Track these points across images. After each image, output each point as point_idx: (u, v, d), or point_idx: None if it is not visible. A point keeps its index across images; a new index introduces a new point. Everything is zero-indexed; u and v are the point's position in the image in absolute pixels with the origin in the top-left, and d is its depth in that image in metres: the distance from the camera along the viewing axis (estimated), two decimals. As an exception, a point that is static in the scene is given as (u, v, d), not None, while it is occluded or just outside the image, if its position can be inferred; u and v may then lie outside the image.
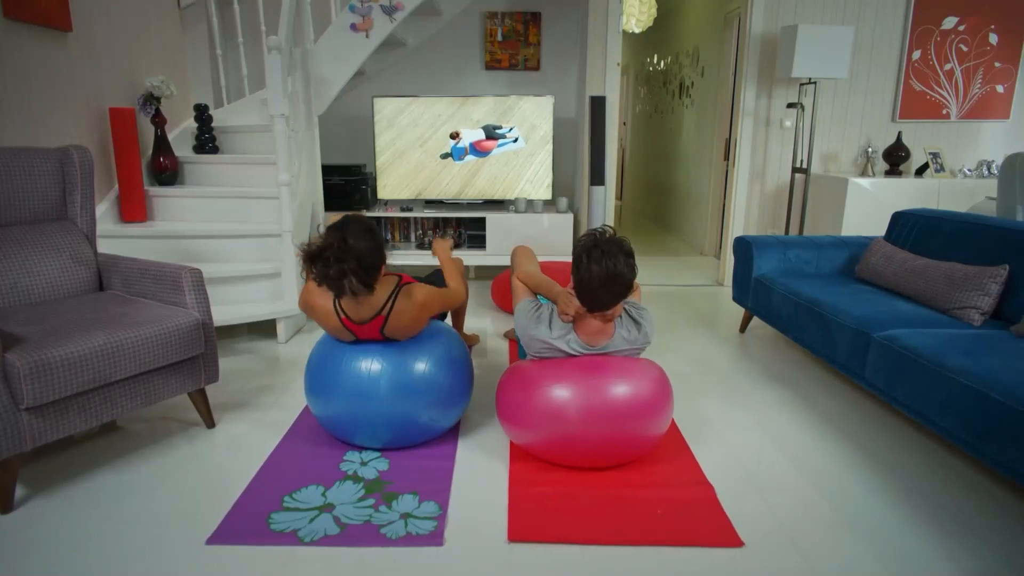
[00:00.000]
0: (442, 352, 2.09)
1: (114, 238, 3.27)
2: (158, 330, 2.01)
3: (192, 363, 2.17)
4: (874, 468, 2.06)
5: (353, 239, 1.82)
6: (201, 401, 2.27)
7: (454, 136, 4.30)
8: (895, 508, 1.83)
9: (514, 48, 4.63)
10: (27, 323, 1.94)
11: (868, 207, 4.01)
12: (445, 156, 4.38)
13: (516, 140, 4.32)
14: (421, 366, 2.02)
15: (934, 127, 4.35)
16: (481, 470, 2.03)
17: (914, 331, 2.22)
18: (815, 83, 3.98)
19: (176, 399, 2.52)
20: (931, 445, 2.22)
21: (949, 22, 4.16)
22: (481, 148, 4.32)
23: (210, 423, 2.30)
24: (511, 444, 2.19)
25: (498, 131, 4.29)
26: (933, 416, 1.98)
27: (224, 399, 2.55)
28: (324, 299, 1.99)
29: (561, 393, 1.91)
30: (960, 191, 4.02)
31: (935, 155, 4.23)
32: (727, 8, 5.04)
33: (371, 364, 1.99)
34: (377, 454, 2.11)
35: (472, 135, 4.34)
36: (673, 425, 2.34)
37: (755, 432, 2.31)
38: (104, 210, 3.37)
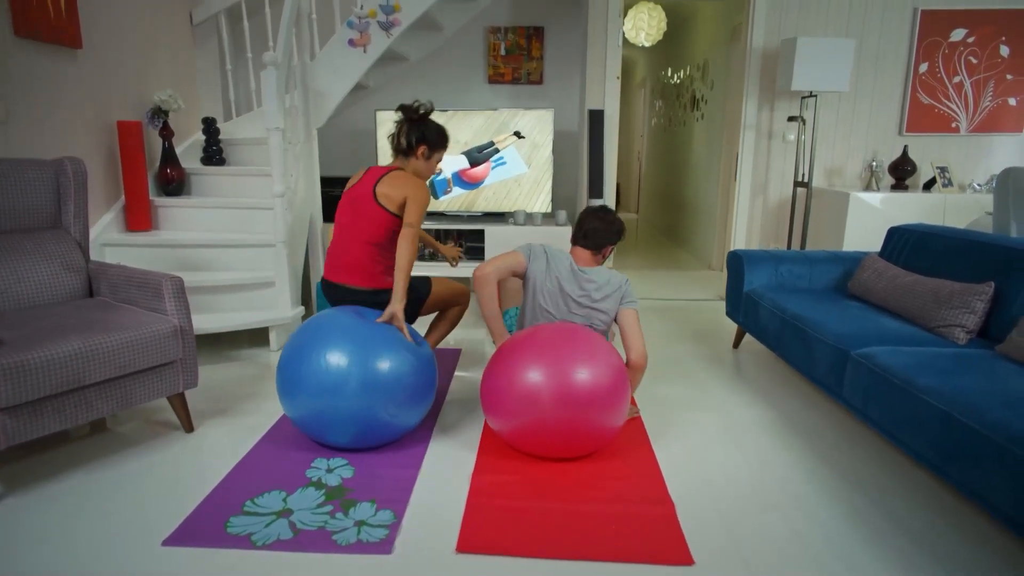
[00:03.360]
0: (407, 349, 2.14)
1: (118, 246, 3.38)
2: (134, 335, 2.07)
3: (170, 368, 2.24)
4: (845, 489, 2.02)
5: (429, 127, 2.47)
6: (180, 405, 2.33)
7: None
8: (858, 532, 1.79)
9: (517, 62, 4.68)
10: (10, 327, 2.02)
11: (871, 221, 3.94)
12: None
13: (505, 162, 4.20)
14: (384, 363, 2.06)
15: (943, 140, 4.26)
16: (444, 480, 2.04)
17: (891, 349, 2.17)
18: (816, 96, 3.94)
19: (163, 403, 2.59)
20: (905, 466, 2.17)
21: (957, 34, 4.08)
22: (468, 178, 4.24)
23: (188, 427, 2.35)
24: (477, 454, 2.20)
25: (485, 151, 4.19)
26: (904, 436, 1.93)
27: (208, 404, 2.61)
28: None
29: (529, 375, 2.04)
30: (966, 206, 3.93)
31: (943, 169, 4.14)
32: (733, 21, 5.02)
33: (337, 359, 2.04)
34: (344, 461, 2.14)
35: (455, 163, 4.22)
36: (644, 439, 2.33)
37: (729, 449, 2.28)
38: (110, 219, 3.49)
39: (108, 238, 3.37)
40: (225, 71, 4.31)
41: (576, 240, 2.54)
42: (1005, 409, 1.63)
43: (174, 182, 3.79)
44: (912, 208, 3.95)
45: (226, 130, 4.15)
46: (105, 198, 3.49)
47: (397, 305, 2.21)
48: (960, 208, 3.92)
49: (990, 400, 1.70)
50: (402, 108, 2.46)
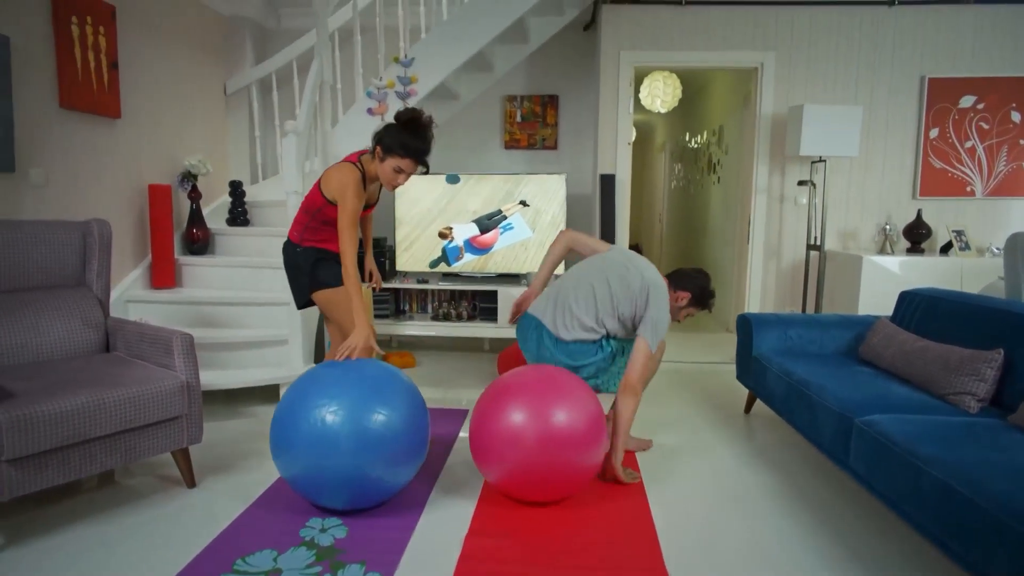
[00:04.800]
0: (401, 405, 2.12)
1: (141, 302, 3.52)
2: (141, 391, 2.14)
3: (175, 423, 2.29)
4: (852, 564, 1.94)
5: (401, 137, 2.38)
6: (183, 461, 2.37)
7: (444, 235, 4.31)
8: (859, 608, 1.72)
9: (532, 128, 4.84)
10: (24, 380, 2.10)
11: (887, 285, 3.89)
12: (436, 263, 4.43)
13: (513, 227, 4.30)
14: (379, 416, 2.04)
15: (959, 204, 4.24)
16: (437, 542, 2.02)
17: (896, 417, 2.12)
18: (825, 161, 3.98)
19: (171, 456, 2.63)
20: (911, 539, 2.08)
21: (967, 101, 4.12)
22: (479, 244, 4.35)
23: (190, 482, 2.38)
24: (473, 515, 2.18)
25: (493, 219, 4.29)
26: (907, 508, 1.86)
27: (214, 459, 2.65)
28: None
29: (512, 417, 2.15)
30: (984, 270, 3.86)
31: (959, 233, 4.10)
32: (745, 88, 5.14)
33: (330, 414, 2.02)
34: (339, 521, 2.14)
35: (467, 230, 4.37)
36: (642, 502, 2.28)
37: (731, 516, 2.22)
38: (136, 276, 3.64)
39: (132, 294, 3.51)
40: (254, 137, 4.54)
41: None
42: (1007, 481, 1.58)
43: (199, 241, 3.95)
44: (929, 272, 3.90)
45: (252, 193, 4.34)
46: (133, 256, 3.66)
47: (357, 332, 2.34)
48: (978, 272, 3.86)
49: (992, 472, 1.64)
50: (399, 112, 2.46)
